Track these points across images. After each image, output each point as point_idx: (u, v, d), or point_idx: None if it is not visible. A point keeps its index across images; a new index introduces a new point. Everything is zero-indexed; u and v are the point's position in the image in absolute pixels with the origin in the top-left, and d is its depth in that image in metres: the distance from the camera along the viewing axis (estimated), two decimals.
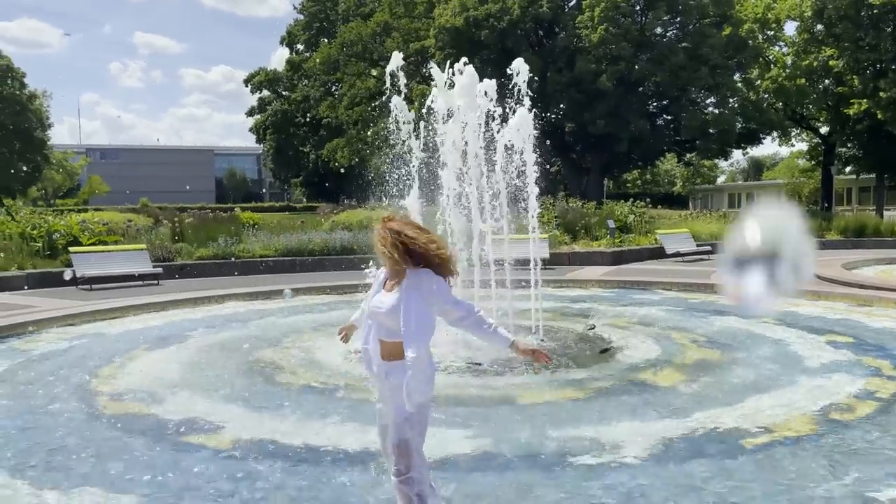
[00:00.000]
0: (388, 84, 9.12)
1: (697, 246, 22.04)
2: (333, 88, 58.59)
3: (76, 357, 8.16)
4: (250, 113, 72.16)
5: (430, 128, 8.95)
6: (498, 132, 8.83)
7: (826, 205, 42.26)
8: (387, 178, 9.76)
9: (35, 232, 17.30)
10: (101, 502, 4.09)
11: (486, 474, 4.49)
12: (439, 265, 3.40)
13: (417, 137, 9.02)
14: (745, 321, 9.96)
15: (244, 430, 5.39)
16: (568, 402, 6.03)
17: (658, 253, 21.25)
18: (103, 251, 16.28)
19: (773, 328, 9.38)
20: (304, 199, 71.60)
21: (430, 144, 8.96)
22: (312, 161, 63.40)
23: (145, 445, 5.13)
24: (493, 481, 4.35)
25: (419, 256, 3.36)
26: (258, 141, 73.32)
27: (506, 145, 8.85)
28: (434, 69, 8.85)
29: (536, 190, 9.12)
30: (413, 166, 8.97)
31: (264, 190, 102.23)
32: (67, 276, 14.79)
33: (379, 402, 3.55)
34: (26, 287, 14.85)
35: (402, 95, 9.09)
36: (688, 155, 48.27)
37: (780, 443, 4.97)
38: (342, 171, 47.51)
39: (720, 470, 4.48)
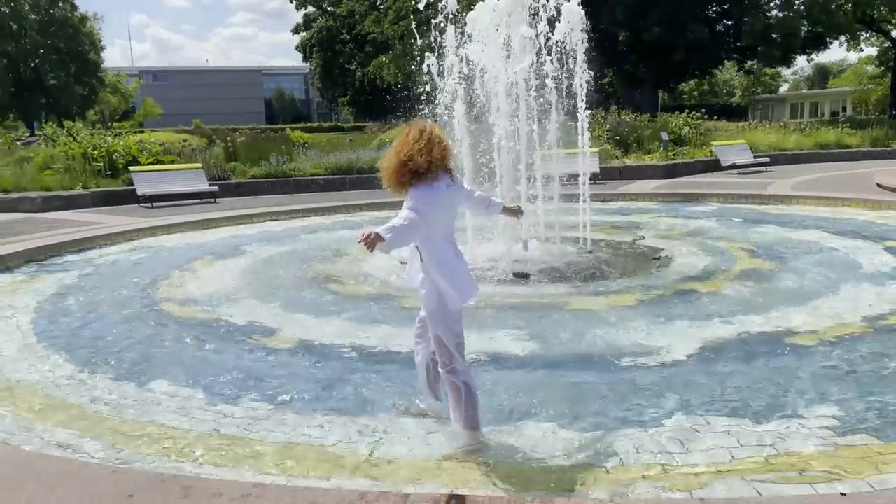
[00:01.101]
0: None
1: (755, 157, 21.37)
2: (378, 2, 57.28)
3: (143, 268, 8.60)
4: (296, 30, 71.50)
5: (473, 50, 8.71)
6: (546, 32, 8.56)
7: (894, 113, 40.13)
8: (433, 97, 9.63)
9: (96, 152, 17.85)
10: (174, 391, 4.44)
11: (529, 371, 4.66)
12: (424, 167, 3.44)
13: (461, 58, 8.81)
14: (800, 231, 9.79)
15: (300, 332, 5.68)
16: (616, 309, 6.11)
17: (713, 165, 20.71)
18: (161, 170, 16.77)
19: (830, 237, 9.20)
20: (352, 119, 71.27)
21: (474, 63, 8.73)
22: (359, 79, 62.83)
23: (214, 343, 5.47)
24: (536, 378, 4.53)
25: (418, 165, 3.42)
26: (305, 59, 72.82)
27: (554, 47, 8.60)
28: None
29: (586, 89, 8.83)
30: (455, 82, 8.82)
31: (312, 110, 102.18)
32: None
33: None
34: (91, 205, 15.54)
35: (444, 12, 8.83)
36: (748, 63, 45.99)
37: (830, 344, 4.99)
38: (389, 87, 46.91)
39: (764, 369, 4.55)
